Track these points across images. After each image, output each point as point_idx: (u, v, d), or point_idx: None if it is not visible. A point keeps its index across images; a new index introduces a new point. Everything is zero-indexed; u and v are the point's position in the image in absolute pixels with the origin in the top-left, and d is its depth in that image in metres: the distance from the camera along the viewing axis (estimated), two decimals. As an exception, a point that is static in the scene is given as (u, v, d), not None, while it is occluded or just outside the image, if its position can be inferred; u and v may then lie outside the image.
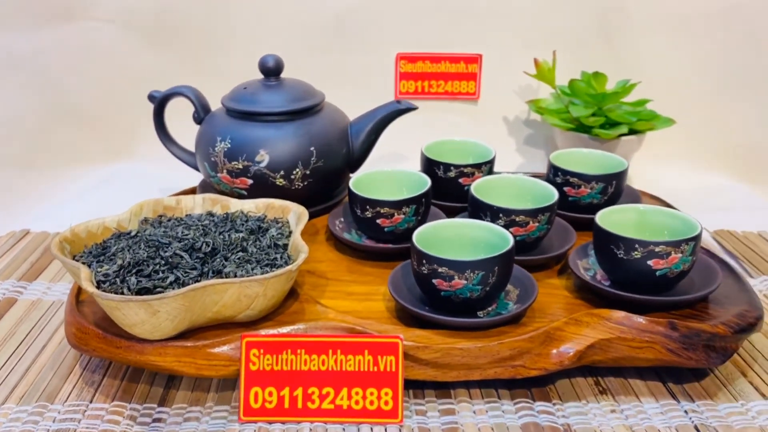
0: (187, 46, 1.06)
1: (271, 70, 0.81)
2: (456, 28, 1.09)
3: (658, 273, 0.64)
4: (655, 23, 1.08)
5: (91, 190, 1.03)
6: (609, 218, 0.70)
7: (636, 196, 0.87)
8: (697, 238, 0.64)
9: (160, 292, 0.56)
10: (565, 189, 0.83)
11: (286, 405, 0.59)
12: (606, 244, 0.66)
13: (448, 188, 0.85)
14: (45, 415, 0.59)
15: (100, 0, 1.04)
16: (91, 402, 0.60)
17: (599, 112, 1.01)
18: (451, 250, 0.66)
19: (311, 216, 0.83)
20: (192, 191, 0.91)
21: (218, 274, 0.59)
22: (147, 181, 1.02)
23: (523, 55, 1.07)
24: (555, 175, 0.83)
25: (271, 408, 0.58)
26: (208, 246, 0.61)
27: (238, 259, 0.62)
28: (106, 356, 0.60)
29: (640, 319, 0.62)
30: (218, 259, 0.61)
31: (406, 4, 1.08)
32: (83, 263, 0.60)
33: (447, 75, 1.10)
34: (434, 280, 0.62)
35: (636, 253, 0.64)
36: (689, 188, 1.08)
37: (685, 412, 0.60)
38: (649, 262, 0.64)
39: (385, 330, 0.62)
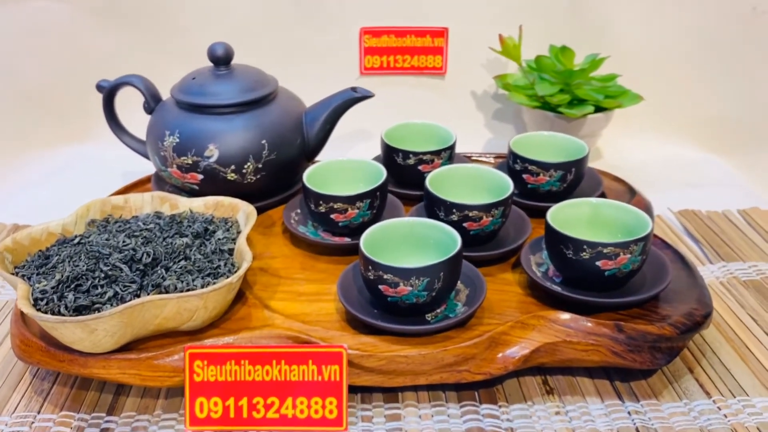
0: (139, 24, 1.03)
1: (221, 59, 0.79)
2: (421, 1, 1.05)
3: (607, 273, 0.64)
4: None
5: (47, 177, 1.02)
6: (562, 213, 0.69)
7: (597, 181, 0.86)
8: (646, 238, 0.64)
9: (98, 309, 0.56)
10: (524, 176, 0.81)
11: (232, 415, 0.59)
12: (556, 243, 0.66)
13: (408, 176, 0.84)
14: (-8, 427, 0.59)
15: (48, -22, 1.00)
16: (39, 413, 0.61)
17: (566, 88, 0.98)
18: (401, 249, 0.66)
19: (266, 208, 0.83)
20: (148, 180, 0.89)
21: (158, 287, 0.59)
22: (104, 166, 1.00)
23: (491, 29, 1.04)
24: (514, 162, 0.82)
25: (217, 418, 0.59)
26: (149, 257, 0.60)
27: (180, 268, 0.61)
28: (51, 368, 0.60)
29: (587, 323, 0.62)
30: (159, 270, 0.60)
31: (370, -24, 1.04)
32: (23, 276, 0.60)
33: (413, 49, 1.07)
34: (380, 286, 0.61)
35: (584, 253, 0.63)
36: (658, 162, 1.07)
37: (629, 413, 0.61)
38: (598, 263, 0.63)
39: (332, 337, 0.62)
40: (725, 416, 0.60)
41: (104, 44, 1.03)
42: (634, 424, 0.60)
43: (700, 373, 0.65)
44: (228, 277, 0.61)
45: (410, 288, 0.60)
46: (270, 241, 0.78)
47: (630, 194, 0.86)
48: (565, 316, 0.62)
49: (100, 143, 1.06)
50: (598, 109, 0.98)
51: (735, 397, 0.62)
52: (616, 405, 0.62)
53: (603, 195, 0.84)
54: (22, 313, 0.64)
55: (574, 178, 0.81)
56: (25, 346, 0.61)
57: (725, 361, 0.66)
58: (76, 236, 0.66)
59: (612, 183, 0.89)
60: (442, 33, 1.07)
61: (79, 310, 0.56)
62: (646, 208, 0.84)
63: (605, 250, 0.63)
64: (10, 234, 0.87)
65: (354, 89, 0.81)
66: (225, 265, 0.63)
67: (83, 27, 1.02)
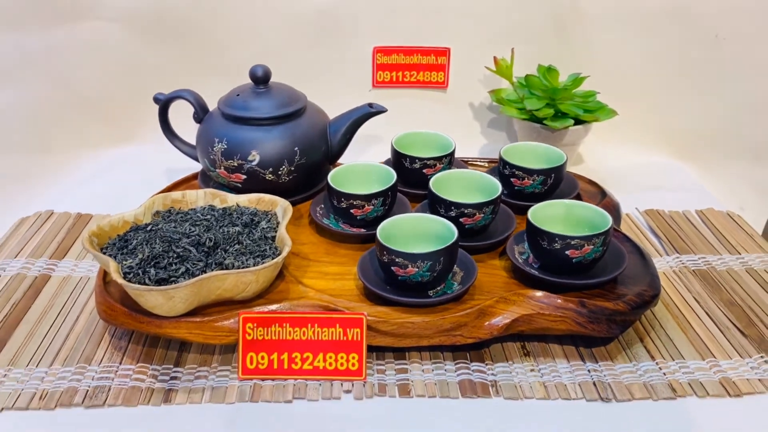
0: (183, 42, 1.18)
1: (260, 79, 0.94)
2: (427, 25, 1.21)
3: (574, 260, 0.80)
4: (606, 21, 1.20)
5: (104, 171, 1.17)
6: (542, 212, 0.85)
7: (574, 184, 1.01)
8: (606, 233, 0.79)
9: (174, 282, 0.72)
10: (512, 180, 0.97)
11: (275, 366, 0.75)
12: (534, 236, 0.81)
13: (414, 177, 1.00)
14: (85, 374, 0.75)
15: (105, 1, 1.15)
16: (120, 364, 0.76)
17: (552, 103, 1.14)
18: (408, 240, 0.81)
19: (296, 203, 0.98)
20: (194, 177, 1.05)
21: (219, 265, 0.75)
22: (150, 165, 1.16)
23: (488, 49, 1.19)
24: (504, 167, 0.98)
25: (263, 369, 0.75)
26: (211, 241, 0.76)
27: (235, 251, 0.77)
28: (132, 329, 0.76)
29: (557, 299, 0.77)
30: (219, 252, 0.76)
31: (383, 3, 1.19)
32: (110, 256, 0.75)
33: (419, 66, 1.23)
34: (393, 267, 0.77)
35: (556, 244, 0.79)
36: (630, 168, 1.23)
37: (588, 371, 0.76)
38: (567, 252, 0.79)
39: (353, 307, 0.77)
40: (664, 374, 0.76)
41: (150, 58, 1.19)
42: (592, 378, 0.75)
43: (649, 342, 0.81)
44: (274, 258, 0.77)
45: (416, 269, 0.76)
46: (299, 230, 0.94)
47: (601, 195, 1.01)
48: (539, 293, 0.78)
49: (146, 145, 1.21)
50: (579, 122, 1.13)
51: (674, 360, 0.78)
52: (579, 365, 0.77)
53: (578, 196, 1.00)
54: (104, 284, 0.80)
55: (554, 182, 0.97)
56: (110, 311, 0.76)
57: (670, 333, 0.82)
58: (146, 224, 0.81)
59: (587, 186, 1.05)
60: (444, 52, 1.22)
61: (159, 282, 0.72)
62: (615, 207, 1.00)
63: (572, 242, 0.79)
64: (76, 220, 1.03)
65: (370, 105, 0.97)
66: (270, 248, 0.78)
67: (133, 43, 1.18)
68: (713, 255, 0.97)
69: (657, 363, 0.77)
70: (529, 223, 0.82)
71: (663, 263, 0.96)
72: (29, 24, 1.13)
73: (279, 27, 1.20)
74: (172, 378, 0.75)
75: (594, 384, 0.75)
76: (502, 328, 0.76)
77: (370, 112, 0.96)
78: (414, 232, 0.83)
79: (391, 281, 0.79)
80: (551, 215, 0.85)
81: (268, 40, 1.20)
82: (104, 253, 0.76)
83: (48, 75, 1.16)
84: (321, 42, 1.21)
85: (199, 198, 0.88)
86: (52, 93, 1.17)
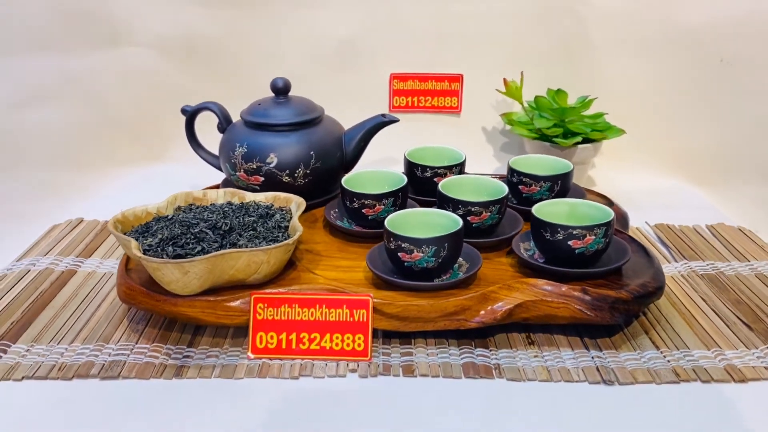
0: (212, 66, 1.26)
1: (281, 90, 1.00)
2: (441, 52, 1.28)
3: (577, 251, 0.82)
4: (613, 46, 1.25)
5: (132, 187, 1.24)
6: (547, 209, 0.87)
7: (581, 193, 1.04)
8: (608, 224, 0.82)
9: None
10: (520, 187, 1.00)
11: (284, 346, 0.77)
12: (538, 228, 0.84)
13: (425, 186, 1.03)
14: (103, 351, 0.78)
15: (139, 28, 1.24)
16: (136, 343, 0.80)
17: (561, 123, 1.18)
18: (415, 231, 0.84)
19: (312, 207, 1.02)
20: (216, 187, 1.10)
21: (234, 246, 0.78)
22: (179, 179, 1.22)
23: (500, 74, 1.25)
24: (512, 175, 1.01)
25: (272, 348, 0.77)
26: (227, 225, 0.80)
27: (249, 236, 0.80)
28: (149, 308, 0.79)
29: (561, 287, 0.79)
30: (234, 236, 0.80)
31: (399, 32, 1.27)
32: (132, 238, 0.80)
33: (433, 92, 1.29)
34: (399, 253, 0.80)
35: (559, 235, 0.81)
36: (643, 190, 1.25)
37: (592, 357, 0.77)
38: (570, 243, 0.81)
39: (361, 291, 0.80)
40: (668, 361, 0.76)
41: (180, 81, 1.26)
42: (596, 364, 0.76)
43: (654, 335, 0.81)
44: (285, 241, 0.80)
45: (422, 254, 0.79)
46: (314, 232, 0.97)
47: (608, 206, 1.03)
48: (542, 282, 0.80)
49: (174, 164, 1.28)
50: (587, 140, 1.17)
51: (679, 350, 0.78)
52: (583, 353, 0.78)
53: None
54: (126, 268, 0.84)
55: (561, 189, 0.99)
56: (129, 291, 0.80)
57: (675, 327, 0.83)
58: (168, 216, 0.86)
59: (593, 197, 1.07)
60: (458, 78, 1.28)
61: (176, 258, 0.76)
62: (622, 216, 1.02)
63: (574, 232, 0.81)
64: (104, 227, 1.08)
65: (383, 115, 1.02)
66: (283, 235, 0.82)
67: (164, 67, 1.26)
68: (722, 262, 0.98)
69: (662, 351, 0.78)
70: (533, 217, 0.85)
71: (671, 268, 0.97)
72: (70, 48, 1.22)
73: (302, 54, 1.27)
74: (185, 356, 0.78)
75: (597, 369, 0.75)
76: (505, 313, 0.78)
77: (383, 121, 1.01)
78: (421, 224, 0.86)
79: (398, 269, 0.82)
80: (556, 212, 0.88)
81: (292, 66, 1.27)
82: (136, 239, 0.80)
83: (86, 96, 1.24)
84: (341, 68, 1.28)
85: (219, 196, 0.93)
86: (88, 112, 1.25)
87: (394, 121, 1.03)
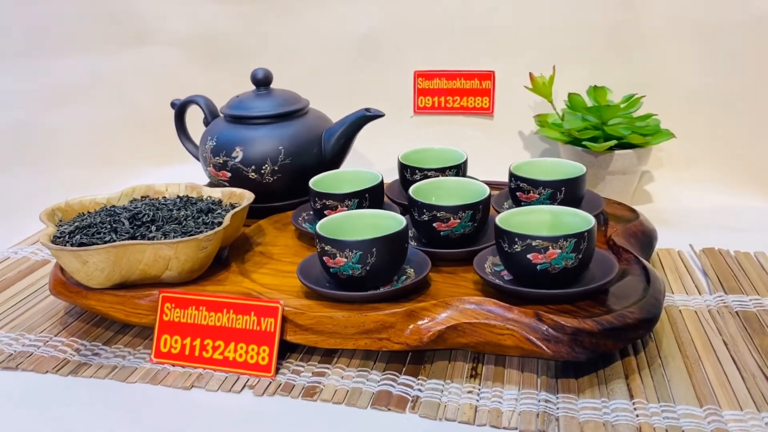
0: (233, 65, 1.23)
1: (260, 81, 0.94)
2: (470, 47, 1.15)
3: (538, 267, 0.66)
4: (671, 37, 1.05)
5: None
6: (521, 218, 0.72)
7: (598, 202, 0.86)
8: (578, 236, 0.65)
9: (93, 248, 0.70)
10: (518, 194, 0.85)
11: (187, 352, 0.69)
12: (497, 238, 0.69)
13: (416, 190, 0.92)
14: (20, 341, 0.75)
15: (163, 27, 1.24)
16: (55, 336, 0.76)
17: (599, 125, 1.00)
18: (357, 235, 0.73)
19: (287, 208, 0.94)
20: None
21: (143, 238, 0.72)
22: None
23: (537, 71, 1.09)
24: (510, 181, 0.86)
25: (176, 353, 0.70)
26: (148, 217, 0.75)
27: (171, 229, 0.74)
28: (65, 298, 0.75)
29: (508, 310, 0.64)
30: (152, 228, 0.74)
31: (423, 25, 1.16)
32: (58, 226, 0.76)
33: (462, 91, 1.16)
34: (324, 258, 0.69)
35: (516, 246, 0.67)
36: (705, 209, 1.03)
37: (539, 401, 0.61)
38: (528, 256, 0.66)
39: (282, 299, 0.70)
40: (637, 416, 0.59)
41: (202, 79, 1.24)
42: (539, 409, 0.60)
43: (635, 380, 0.64)
44: (204, 238, 0.73)
45: (345, 259, 0.68)
46: (281, 234, 0.89)
47: (633, 216, 0.85)
48: (489, 300, 0.65)
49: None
50: (628, 145, 0.98)
51: (659, 402, 0.60)
52: (531, 393, 0.63)
53: (601, 215, 0.85)
54: (61, 259, 0.81)
55: (566, 198, 0.83)
56: (55, 282, 0.77)
57: (669, 373, 0.64)
58: (114, 206, 0.82)
59: (616, 207, 0.89)
60: (489, 76, 1.14)
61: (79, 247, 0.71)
62: (647, 233, 0.83)
63: (534, 243, 0.66)
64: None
65: (367, 109, 0.92)
66: (206, 231, 0.75)
67: (187, 65, 1.25)
68: (771, 298, 0.76)
69: (633, 403, 0.60)
70: (494, 225, 0.70)
71: (699, 301, 0.77)
72: (97, 49, 1.24)
73: (322, 51, 1.20)
74: (94, 354, 0.72)
75: (537, 415, 0.59)
76: (433, 335, 0.64)
77: (366, 116, 0.91)
78: (368, 227, 0.74)
79: (329, 277, 0.72)
80: (536, 222, 0.73)
81: (311, 64, 1.21)
82: (60, 226, 0.77)
83: (113, 95, 1.26)
84: (362, 66, 1.19)
85: (180, 190, 0.88)
86: (115, 111, 1.26)
87: (379, 116, 0.92)
